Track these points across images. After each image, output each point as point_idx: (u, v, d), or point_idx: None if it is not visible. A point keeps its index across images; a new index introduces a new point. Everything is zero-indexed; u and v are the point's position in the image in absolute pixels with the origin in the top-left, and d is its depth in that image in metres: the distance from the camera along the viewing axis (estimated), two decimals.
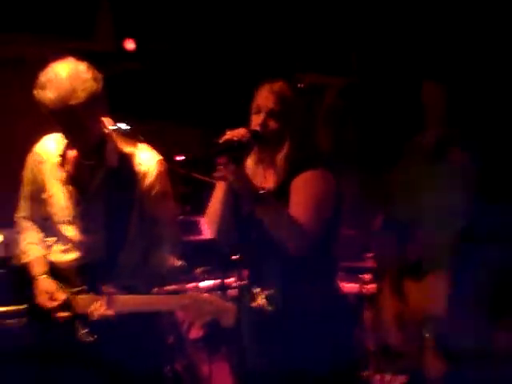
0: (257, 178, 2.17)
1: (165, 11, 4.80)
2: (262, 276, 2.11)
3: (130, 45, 4.69)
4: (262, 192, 2.00)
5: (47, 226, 2.45)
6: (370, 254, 3.68)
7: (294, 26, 4.72)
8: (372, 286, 3.55)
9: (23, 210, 2.50)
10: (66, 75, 2.15)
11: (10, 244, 3.49)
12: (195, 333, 3.50)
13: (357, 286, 3.60)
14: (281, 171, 2.13)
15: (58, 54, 2.26)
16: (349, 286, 3.59)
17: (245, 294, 2.10)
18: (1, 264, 3.43)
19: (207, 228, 2.29)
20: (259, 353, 2.12)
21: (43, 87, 2.15)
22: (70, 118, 2.17)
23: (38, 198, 2.43)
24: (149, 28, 4.85)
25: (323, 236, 2.06)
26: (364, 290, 3.58)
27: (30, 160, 2.45)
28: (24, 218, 2.50)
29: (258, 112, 2.14)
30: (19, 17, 4.30)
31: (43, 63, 2.23)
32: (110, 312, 2.20)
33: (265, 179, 2.18)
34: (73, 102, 2.13)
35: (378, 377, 3.23)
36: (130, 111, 3.84)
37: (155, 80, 4.97)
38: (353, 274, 3.67)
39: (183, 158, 3.51)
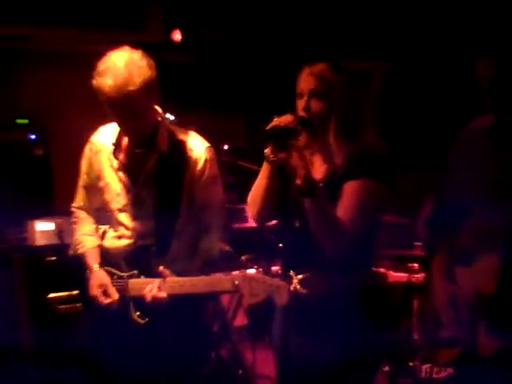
0: None
1: (214, 2, 4.82)
2: (299, 260, 2.11)
3: (177, 36, 4.71)
4: (318, 185, 1.99)
5: (101, 215, 2.50)
6: (420, 243, 3.60)
7: (337, 12, 4.65)
8: (421, 275, 3.49)
9: (79, 199, 2.56)
10: (122, 63, 2.19)
11: (63, 232, 3.62)
12: (240, 320, 3.53)
13: (405, 275, 3.54)
14: (334, 160, 2.09)
15: (110, 47, 2.28)
16: (397, 275, 3.53)
17: (283, 278, 2.10)
18: (53, 251, 3.57)
19: (248, 210, 2.29)
20: (298, 337, 2.12)
21: (101, 75, 2.19)
22: (127, 104, 2.19)
23: (94, 187, 2.48)
24: (198, 19, 4.88)
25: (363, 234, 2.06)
26: (413, 279, 3.51)
27: (87, 150, 2.50)
28: (79, 208, 2.57)
29: (301, 96, 2.12)
30: (70, 10, 4.41)
31: (95, 56, 2.27)
32: (163, 294, 2.23)
33: (312, 167, 2.15)
34: (130, 88, 2.16)
35: (425, 367, 3.18)
36: (177, 101, 3.89)
37: (202, 70, 4.99)
38: (401, 263, 3.61)
39: (228, 146, 3.53)
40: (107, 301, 2.33)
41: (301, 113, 2.11)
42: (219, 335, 3.43)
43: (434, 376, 3.13)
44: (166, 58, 4.49)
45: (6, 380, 3.30)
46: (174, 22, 4.83)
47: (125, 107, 2.20)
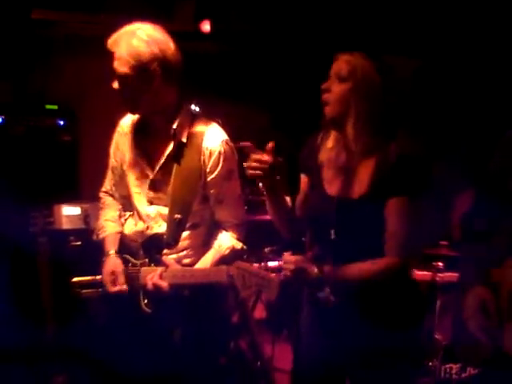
0: (334, 163, 2.12)
1: None
2: None
3: (206, 27, 4.70)
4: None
5: (125, 202, 2.52)
6: (446, 242, 3.56)
7: (367, 7, 4.59)
8: (445, 275, 3.44)
9: (107, 183, 2.59)
10: (127, 38, 2.25)
11: (88, 217, 3.65)
12: (258, 313, 3.52)
13: (429, 273, 3.49)
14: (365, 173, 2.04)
15: None
16: (421, 274, 3.49)
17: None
18: (78, 236, 3.61)
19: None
20: (318, 341, 2.12)
21: (110, 50, 2.28)
22: (130, 78, 2.24)
23: (120, 170, 2.50)
24: (227, 9, 4.86)
25: None
26: (437, 279, 3.47)
27: (116, 133, 2.53)
28: (106, 192, 2.59)
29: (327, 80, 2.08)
30: None
31: None
32: (163, 283, 2.24)
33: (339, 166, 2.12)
34: (131, 62, 2.22)
35: (444, 367, 3.15)
36: (204, 91, 3.88)
37: (230, 60, 4.98)
38: (425, 262, 3.57)
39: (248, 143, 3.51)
40: (115, 289, 2.35)
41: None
42: (239, 326, 3.44)
43: (454, 376, 3.10)
44: (194, 47, 4.50)
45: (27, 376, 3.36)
46: (204, 11, 4.81)
47: (129, 81, 2.24)
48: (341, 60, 2.05)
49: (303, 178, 2.25)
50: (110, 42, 2.28)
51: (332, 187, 2.11)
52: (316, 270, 1.97)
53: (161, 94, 2.33)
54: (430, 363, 3.26)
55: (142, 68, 2.26)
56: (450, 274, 3.41)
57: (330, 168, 2.13)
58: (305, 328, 2.23)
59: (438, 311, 3.40)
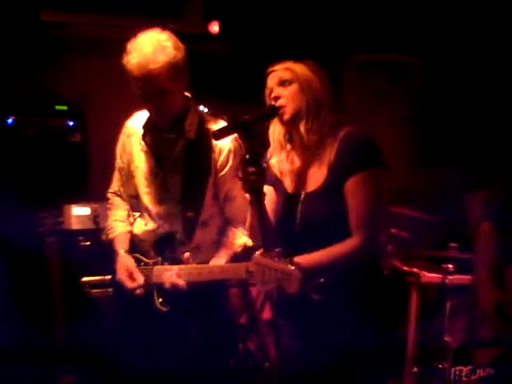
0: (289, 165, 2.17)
1: None
2: None
3: (214, 27, 4.70)
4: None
5: (134, 202, 2.55)
6: (454, 244, 3.53)
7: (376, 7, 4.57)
8: (455, 277, 3.42)
9: (114, 184, 2.61)
10: (148, 42, 2.24)
11: (98, 217, 3.67)
12: (267, 314, 3.51)
13: (439, 276, 3.47)
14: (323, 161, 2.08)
15: None
16: (430, 276, 3.47)
17: None
18: (88, 236, 3.63)
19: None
20: (299, 338, 2.13)
21: (128, 53, 2.26)
22: (149, 83, 2.23)
23: (127, 171, 2.52)
24: (237, 10, 4.85)
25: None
26: (446, 281, 3.44)
27: (122, 134, 2.55)
28: (114, 193, 2.61)
29: (271, 91, 2.15)
30: None
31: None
32: (181, 281, 2.25)
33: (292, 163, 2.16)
34: (151, 66, 2.20)
35: (454, 369, 3.13)
36: (214, 92, 3.88)
37: (239, 61, 4.97)
38: (435, 264, 3.55)
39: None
40: (133, 284, 2.36)
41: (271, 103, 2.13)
42: (247, 327, 3.44)
43: (464, 379, 3.08)
44: (203, 48, 4.50)
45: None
46: (213, 12, 4.81)
47: (148, 86, 2.24)
48: (277, 70, 2.15)
49: (268, 189, 2.23)
50: (142, 61, 2.22)
51: (293, 187, 2.16)
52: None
53: (184, 95, 2.37)
54: (440, 365, 3.25)
55: (181, 75, 2.29)
56: (459, 276, 3.39)
57: (286, 176, 2.18)
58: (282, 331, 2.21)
59: (448, 314, 3.38)
